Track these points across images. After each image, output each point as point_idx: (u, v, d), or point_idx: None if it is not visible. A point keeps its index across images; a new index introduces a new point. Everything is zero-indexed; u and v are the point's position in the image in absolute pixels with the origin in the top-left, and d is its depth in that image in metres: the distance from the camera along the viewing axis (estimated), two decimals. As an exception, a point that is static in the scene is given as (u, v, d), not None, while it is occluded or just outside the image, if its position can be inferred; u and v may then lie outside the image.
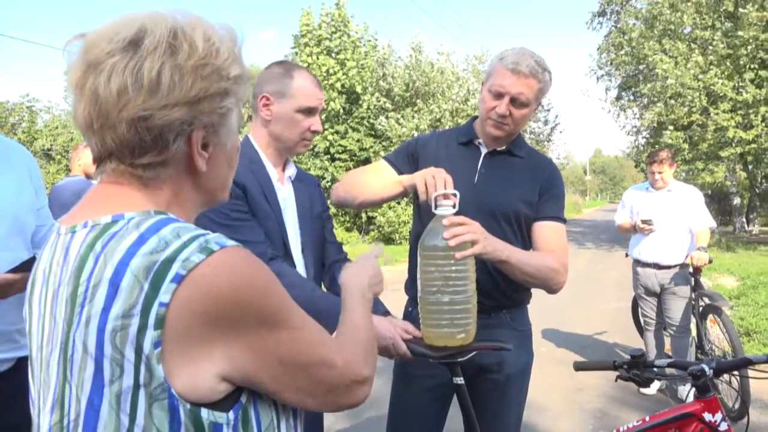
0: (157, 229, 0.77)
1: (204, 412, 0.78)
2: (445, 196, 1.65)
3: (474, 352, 1.71)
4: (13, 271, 1.47)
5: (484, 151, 1.98)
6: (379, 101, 16.35)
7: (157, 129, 0.79)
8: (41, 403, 0.83)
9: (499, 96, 1.85)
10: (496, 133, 1.90)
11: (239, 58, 0.87)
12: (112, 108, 0.77)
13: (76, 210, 0.86)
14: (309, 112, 1.78)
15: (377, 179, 1.94)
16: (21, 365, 1.60)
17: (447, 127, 15.34)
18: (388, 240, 15.61)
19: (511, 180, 1.94)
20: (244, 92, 0.89)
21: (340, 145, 16.32)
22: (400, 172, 1.95)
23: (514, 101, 1.84)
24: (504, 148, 1.98)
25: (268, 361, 0.81)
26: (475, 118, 2.03)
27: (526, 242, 1.95)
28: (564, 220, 1.98)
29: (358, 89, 16.14)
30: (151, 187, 0.84)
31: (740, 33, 12.96)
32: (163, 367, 0.74)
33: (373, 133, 16.57)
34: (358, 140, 16.34)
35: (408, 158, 2.01)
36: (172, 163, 0.83)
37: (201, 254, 0.75)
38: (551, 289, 1.88)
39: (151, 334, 0.73)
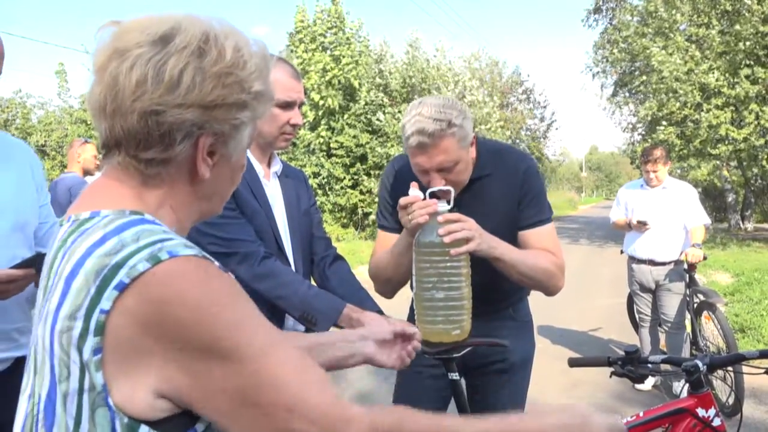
0: (121, 230, 0.76)
1: (144, 429, 0.74)
2: (441, 193, 1.65)
3: (469, 348, 1.72)
4: (18, 267, 1.46)
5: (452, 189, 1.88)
6: (376, 97, 16.35)
7: (167, 125, 0.78)
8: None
9: (425, 172, 1.72)
10: (448, 197, 1.71)
11: (265, 75, 0.86)
12: (127, 96, 0.77)
13: (75, 203, 0.86)
14: (287, 105, 1.73)
15: (393, 261, 1.85)
16: (20, 364, 1.58)
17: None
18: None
19: (486, 209, 1.84)
20: (263, 110, 0.87)
21: (336, 141, 16.29)
22: (398, 226, 1.87)
23: (441, 170, 1.70)
24: (468, 179, 1.86)
25: (209, 391, 0.73)
26: None
27: None
28: (549, 218, 1.90)
29: (355, 84, 16.10)
30: (148, 185, 0.82)
31: (737, 27, 12.96)
32: (103, 375, 0.72)
33: (369, 129, 16.56)
34: (354, 136, 16.32)
35: (392, 203, 1.92)
36: (174, 164, 0.82)
37: (147, 263, 0.71)
38: (548, 290, 1.87)
39: (91, 341, 0.71)
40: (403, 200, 1.67)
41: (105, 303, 0.71)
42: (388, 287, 1.96)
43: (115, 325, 0.71)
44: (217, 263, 0.78)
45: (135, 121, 0.77)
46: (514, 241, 1.84)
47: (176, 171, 0.83)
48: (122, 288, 0.71)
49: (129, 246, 0.73)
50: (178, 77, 0.77)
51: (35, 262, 1.43)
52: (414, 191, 1.69)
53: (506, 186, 1.86)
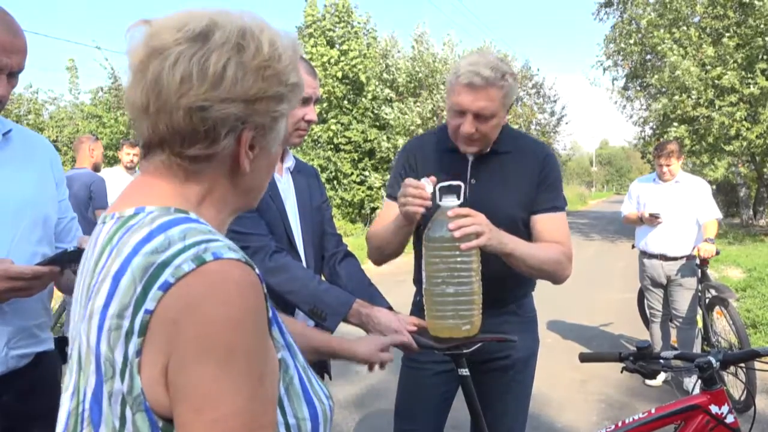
0: (167, 228, 0.76)
1: None
2: (450, 188, 1.64)
3: (479, 344, 1.71)
4: (42, 264, 1.46)
5: (470, 158, 1.91)
6: (383, 91, 16.33)
7: (212, 121, 0.78)
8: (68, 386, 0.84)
9: (461, 114, 1.77)
10: (470, 149, 1.85)
11: (297, 67, 0.87)
12: (172, 94, 0.77)
13: (116, 201, 0.86)
14: (302, 101, 1.72)
15: (385, 231, 1.90)
16: (40, 360, 1.60)
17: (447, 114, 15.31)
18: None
19: (504, 184, 1.87)
20: (296, 102, 0.89)
21: (344, 136, 16.30)
22: None
23: (478, 116, 1.76)
24: (489, 150, 1.90)
25: (174, 387, 0.71)
26: None
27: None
28: (563, 207, 1.93)
29: (362, 78, 16.09)
30: (190, 181, 0.83)
31: (751, 21, 12.78)
32: (141, 378, 0.71)
33: (377, 124, 16.55)
34: (362, 131, 16.32)
35: (403, 178, 1.93)
36: (217, 160, 0.82)
37: (192, 263, 0.72)
38: (556, 280, 1.87)
39: (135, 341, 0.71)
40: (409, 181, 1.67)
41: (150, 303, 0.71)
42: (377, 255, 1.99)
43: (156, 325, 0.70)
44: (257, 270, 0.78)
45: (181, 117, 0.77)
46: (526, 223, 1.88)
47: (218, 166, 0.83)
48: (166, 288, 0.71)
49: (176, 244, 0.73)
50: (222, 72, 0.78)
51: (60, 260, 1.44)
52: (428, 185, 1.67)
53: (525, 167, 1.89)
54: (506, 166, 1.89)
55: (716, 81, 13.06)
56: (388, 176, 2.07)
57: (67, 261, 1.45)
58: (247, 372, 0.71)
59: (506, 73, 1.75)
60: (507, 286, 1.91)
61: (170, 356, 0.70)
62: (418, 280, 2.00)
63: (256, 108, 0.81)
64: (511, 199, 1.85)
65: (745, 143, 13.32)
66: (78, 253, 1.45)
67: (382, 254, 1.98)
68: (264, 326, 0.77)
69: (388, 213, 1.95)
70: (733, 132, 12.92)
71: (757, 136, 12.93)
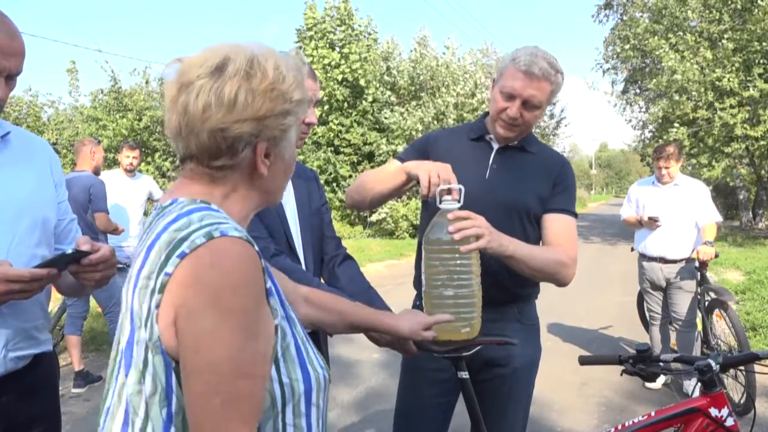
0: (190, 213, 0.94)
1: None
2: (450, 190, 1.64)
3: (479, 347, 1.70)
4: (40, 267, 1.45)
5: (495, 146, 1.97)
6: (383, 94, 16.33)
7: (230, 139, 0.95)
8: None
9: (510, 98, 1.84)
10: (507, 134, 1.90)
11: (301, 84, 1.02)
12: (197, 120, 0.94)
13: (161, 197, 1.07)
14: None
15: (382, 172, 1.94)
16: (39, 362, 1.59)
17: (451, 120, 15.32)
18: (390, 234, 15.62)
19: (523, 175, 1.93)
20: (303, 112, 1.04)
21: (344, 138, 16.30)
22: None
23: (525, 103, 1.83)
24: (516, 143, 1.97)
25: (195, 346, 0.86)
26: (487, 114, 2.01)
27: (539, 237, 1.94)
28: (575, 214, 1.96)
29: (362, 82, 16.10)
30: (216, 183, 1.01)
31: (750, 26, 12.81)
32: (159, 326, 0.88)
33: (377, 127, 16.55)
34: (362, 134, 16.32)
35: (419, 155, 1.98)
36: (239, 168, 0.99)
37: (204, 238, 0.88)
38: (559, 282, 1.86)
39: (155, 297, 0.89)
40: (448, 167, 1.69)
41: (169, 267, 0.88)
42: (357, 191, 1.99)
43: (172, 285, 0.88)
44: (256, 247, 0.93)
45: (206, 138, 0.95)
46: (538, 218, 1.92)
47: (240, 172, 1.01)
48: (183, 256, 0.88)
49: (194, 224, 0.91)
50: (234, 99, 0.94)
51: (58, 262, 1.43)
52: (454, 188, 1.67)
53: (545, 167, 1.97)
54: (527, 162, 1.97)
55: (717, 83, 13.09)
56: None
57: (65, 263, 1.44)
58: (240, 327, 0.86)
59: (559, 71, 1.86)
60: (508, 287, 1.91)
61: (180, 309, 0.87)
62: (418, 283, 2.00)
63: (266, 124, 0.97)
64: (528, 190, 1.91)
65: (744, 144, 13.34)
66: (76, 255, 1.44)
67: (362, 189, 1.96)
68: (260, 293, 0.92)
69: (390, 166, 1.98)
70: (737, 132, 12.94)
71: (760, 137, 12.95)
